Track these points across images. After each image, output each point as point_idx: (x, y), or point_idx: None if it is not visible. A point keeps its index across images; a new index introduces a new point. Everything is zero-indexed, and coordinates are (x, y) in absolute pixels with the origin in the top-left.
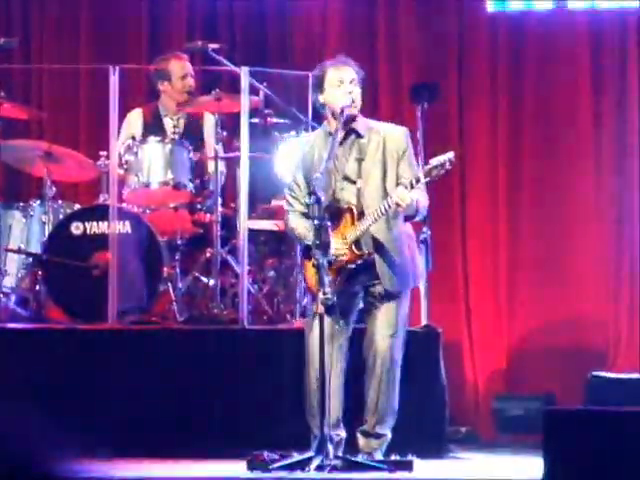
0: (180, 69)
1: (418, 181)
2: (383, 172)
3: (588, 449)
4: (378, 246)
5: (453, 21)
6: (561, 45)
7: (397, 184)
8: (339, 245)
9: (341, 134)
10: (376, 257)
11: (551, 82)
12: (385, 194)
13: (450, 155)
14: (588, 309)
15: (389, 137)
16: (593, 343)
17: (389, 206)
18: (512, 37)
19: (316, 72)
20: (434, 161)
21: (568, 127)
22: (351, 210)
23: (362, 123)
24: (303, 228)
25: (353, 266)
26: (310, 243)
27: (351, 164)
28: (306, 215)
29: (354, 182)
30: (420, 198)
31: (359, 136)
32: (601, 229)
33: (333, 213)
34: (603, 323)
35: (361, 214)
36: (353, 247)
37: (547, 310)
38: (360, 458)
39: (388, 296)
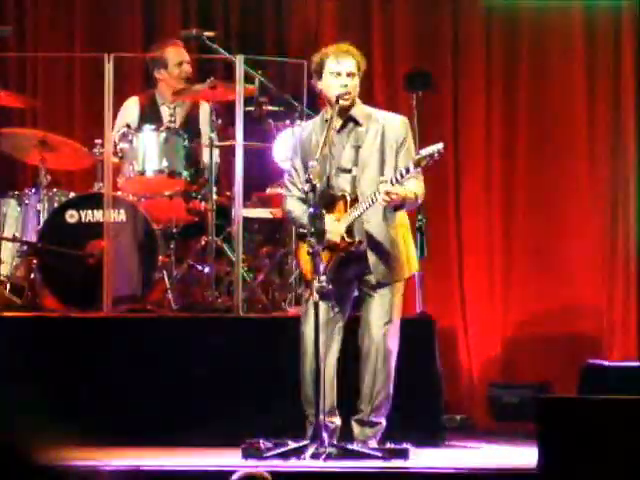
0: (176, 56)
1: (408, 171)
2: (381, 161)
3: (583, 437)
4: (370, 236)
5: (448, 9)
6: (556, 34)
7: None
8: (332, 227)
9: (338, 121)
10: (368, 247)
11: (545, 71)
12: None
13: (439, 146)
14: (583, 297)
15: (388, 126)
16: (588, 331)
17: (375, 200)
18: (507, 26)
19: (317, 57)
20: (423, 152)
21: (563, 114)
22: (344, 198)
23: (361, 110)
24: (299, 211)
25: (343, 254)
26: (305, 230)
27: (348, 152)
28: (303, 200)
29: (349, 170)
30: (412, 188)
31: (357, 124)
32: (596, 217)
33: (327, 200)
34: (598, 311)
35: (355, 202)
36: (345, 235)
37: (542, 298)
38: (355, 446)
39: (382, 285)
